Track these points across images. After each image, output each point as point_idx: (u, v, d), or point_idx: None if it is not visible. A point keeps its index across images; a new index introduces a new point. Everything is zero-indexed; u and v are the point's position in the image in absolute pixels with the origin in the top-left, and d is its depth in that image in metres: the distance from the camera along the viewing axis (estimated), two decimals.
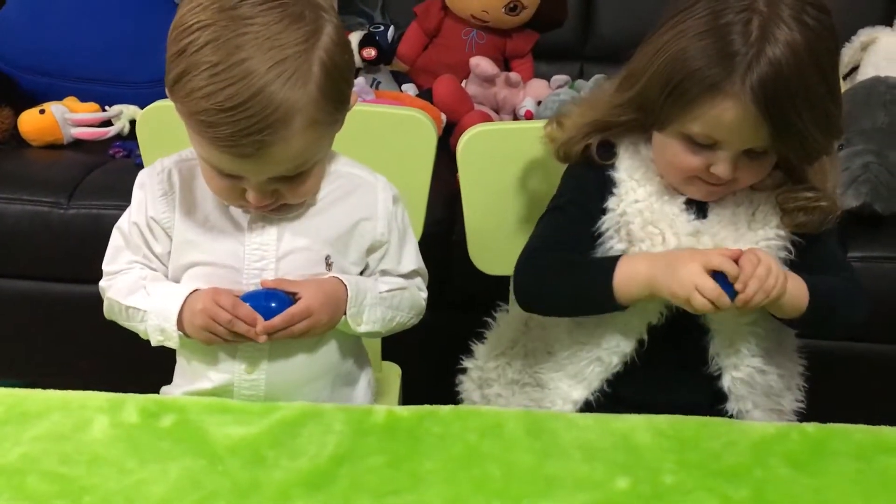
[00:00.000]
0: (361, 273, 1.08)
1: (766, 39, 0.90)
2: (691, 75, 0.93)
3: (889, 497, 0.89)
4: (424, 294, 1.13)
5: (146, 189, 1.03)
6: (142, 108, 1.83)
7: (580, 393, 1.10)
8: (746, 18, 0.91)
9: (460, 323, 1.57)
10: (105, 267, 1.07)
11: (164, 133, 1.24)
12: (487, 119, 1.82)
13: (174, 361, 1.13)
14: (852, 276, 1.06)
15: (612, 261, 1.01)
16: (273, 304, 0.98)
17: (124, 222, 1.05)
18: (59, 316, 1.66)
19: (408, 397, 1.38)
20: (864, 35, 1.86)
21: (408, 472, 0.91)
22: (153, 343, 1.05)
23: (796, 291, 0.98)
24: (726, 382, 1.07)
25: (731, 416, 1.07)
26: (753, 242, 1.02)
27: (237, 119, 0.85)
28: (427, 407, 1.02)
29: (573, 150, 1.06)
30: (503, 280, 1.29)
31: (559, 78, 1.95)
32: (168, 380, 1.14)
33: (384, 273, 1.09)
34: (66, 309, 1.65)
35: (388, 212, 1.06)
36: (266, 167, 0.91)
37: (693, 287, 0.93)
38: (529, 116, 1.86)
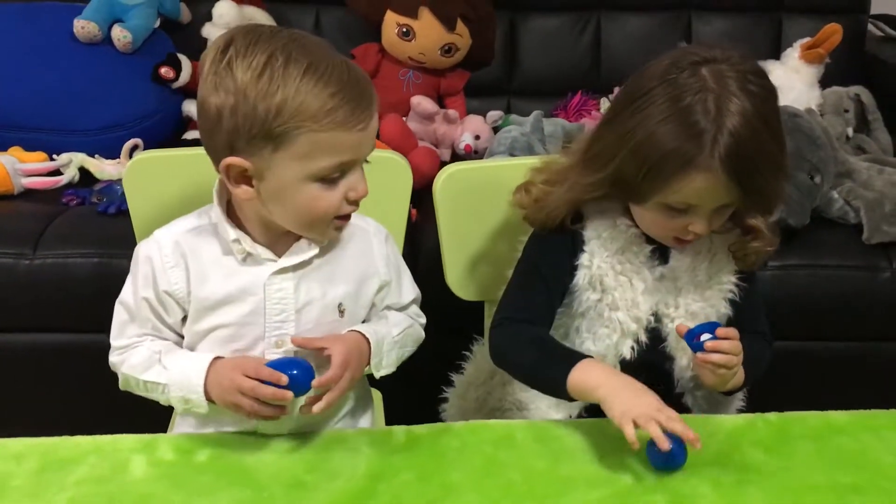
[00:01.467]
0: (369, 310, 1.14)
1: (723, 113, 0.99)
2: (666, 156, 1.01)
3: (846, 469, 1.04)
4: (423, 320, 1.20)
5: (154, 263, 1.03)
6: (90, 156, 1.87)
7: (561, 415, 1.20)
8: (703, 98, 1.00)
9: (433, 349, 1.67)
10: (113, 342, 1.07)
11: (150, 183, 1.29)
12: (433, 155, 1.92)
13: (153, 406, 1.12)
14: (768, 332, 1.20)
15: (570, 362, 1.05)
16: (295, 371, 0.98)
17: (129, 296, 1.05)
18: (28, 366, 1.65)
19: (394, 421, 1.46)
20: None
21: (439, 484, 1.00)
22: (178, 411, 1.08)
23: (738, 379, 1.12)
24: (689, 401, 1.21)
25: None
26: (709, 287, 1.15)
27: (351, 93, 0.93)
28: (441, 424, 1.11)
29: (554, 222, 1.14)
30: (472, 306, 1.39)
31: (494, 113, 2.08)
32: (144, 423, 1.11)
33: (388, 308, 1.16)
34: (33, 358, 1.64)
35: (384, 254, 1.12)
36: (370, 141, 0.99)
37: (629, 418, 0.97)
38: (469, 150, 1.97)
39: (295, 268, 1.04)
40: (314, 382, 0.99)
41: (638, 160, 1.04)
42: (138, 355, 1.05)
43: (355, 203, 1.01)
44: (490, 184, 1.33)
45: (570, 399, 1.07)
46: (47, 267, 1.62)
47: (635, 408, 0.97)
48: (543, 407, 1.23)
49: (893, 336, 1.71)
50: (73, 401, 1.60)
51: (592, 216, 1.16)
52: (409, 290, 1.18)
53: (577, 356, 1.08)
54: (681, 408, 1.21)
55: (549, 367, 1.10)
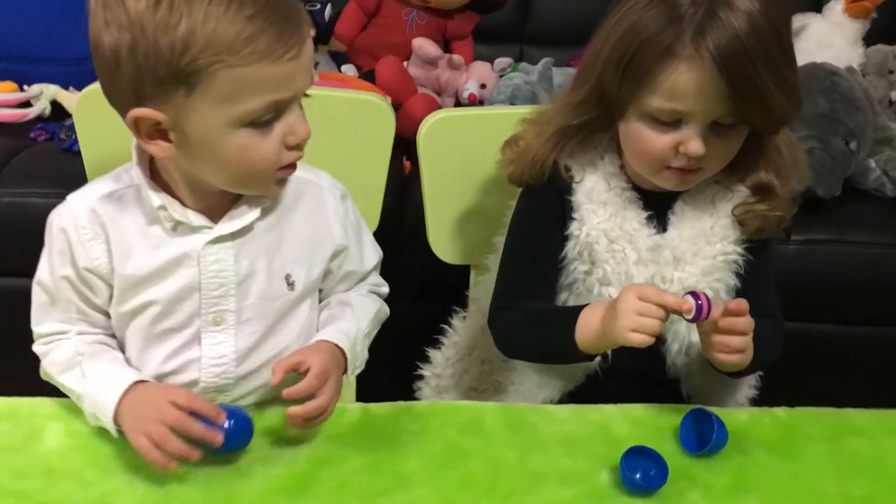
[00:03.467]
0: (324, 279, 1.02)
1: (718, 3, 0.89)
2: (644, 44, 0.91)
3: (861, 478, 0.91)
4: (385, 289, 1.08)
5: (69, 236, 0.89)
6: (64, 88, 1.75)
7: (538, 402, 1.09)
8: None
9: (415, 314, 1.55)
10: (35, 328, 0.95)
11: (104, 118, 1.16)
12: (432, 102, 1.78)
13: None
14: (778, 313, 1.07)
15: (574, 316, 0.99)
16: (232, 421, 0.85)
17: (46, 275, 0.92)
18: None
19: (365, 396, 1.35)
20: (794, 22, 1.90)
21: (390, 473, 0.89)
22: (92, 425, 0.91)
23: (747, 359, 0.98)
24: (684, 390, 1.09)
25: None
26: (711, 257, 1.03)
27: (274, 14, 0.78)
28: (402, 403, 0.99)
29: (538, 171, 1.03)
30: (459, 269, 1.28)
31: (502, 60, 1.93)
32: None
33: (349, 275, 1.04)
34: None
35: (340, 214, 0.99)
36: (306, 73, 0.83)
37: (627, 328, 0.91)
38: (473, 99, 1.83)
39: (234, 235, 0.91)
40: (286, 392, 0.87)
41: (617, 56, 0.93)
42: (61, 353, 0.93)
43: (297, 148, 0.86)
44: (480, 135, 1.20)
45: (592, 358, 1.01)
46: (4, 206, 1.51)
47: (626, 314, 0.91)
48: (523, 389, 1.11)
49: None
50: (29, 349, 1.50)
51: (581, 169, 1.04)
52: (370, 254, 1.06)
53: (574, 314, 0.99)
54: (676, 397, 1.10)
55: (556, 338, 1.00)
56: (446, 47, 1.98)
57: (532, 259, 1.05)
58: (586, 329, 0.97)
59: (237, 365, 0.94)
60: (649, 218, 1.03)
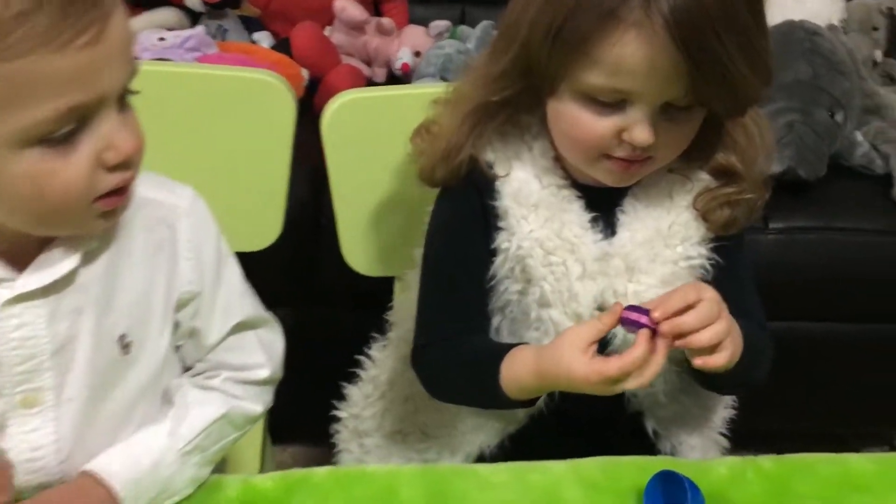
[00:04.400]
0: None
1: None
2: (580, 5, 0.73)
3: None
4: (263, 373, 0.80)
5: None
6: None
7: (474, 447, 0.91)
8: None
9: (332, 322, 1.34)
10: None
11: None
12: (357, 74, 1.56)
13: None
14: (763, 320, 0.90)
15: (497, 363, 0.81)
16: None
17: None
18: None
19: (279, 434, 1.15)
20: None
21: None
22: None
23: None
24: (649, 425, 0.92)
25: (665, 454, 0.92)
26: (672, 262, 0.84)
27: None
28: (297, 472, 0.78)
29: (452, 165, 0.83)
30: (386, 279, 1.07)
31: (439, 24, 1.70)
32: None
33: (194, 334, 0.77)
34: None
35: (194, 246, 0.74)
36: (117, 64, 0.60)
37: (591, 382, 0.75)
38: (407, 70, 1.61)
39: (46, 290, 0.67)
40: None
41: (548, 16, 0.74)
42: None
43: (123, 168, 0.62)
44: (398, 119, 0.98)
45: (531, 403, 0.83)
46: None
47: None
48: (455, 434, 0.92)
49: None
50: None
51: (506, 163, 0.84)
52: (230, 307, 0.77)
53: (503, 352, 0.81)
54: (639, 435, 0.92)
55: (487, 384, 0.82)
56: (377, 9, 1.74)
57: (453, 281, 0.85)
58: (515, 382, 0.80)
59: (60, 457, 0.71)
60: (594, 220, 0.84)
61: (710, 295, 0.74)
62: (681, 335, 0.73)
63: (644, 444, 0.93)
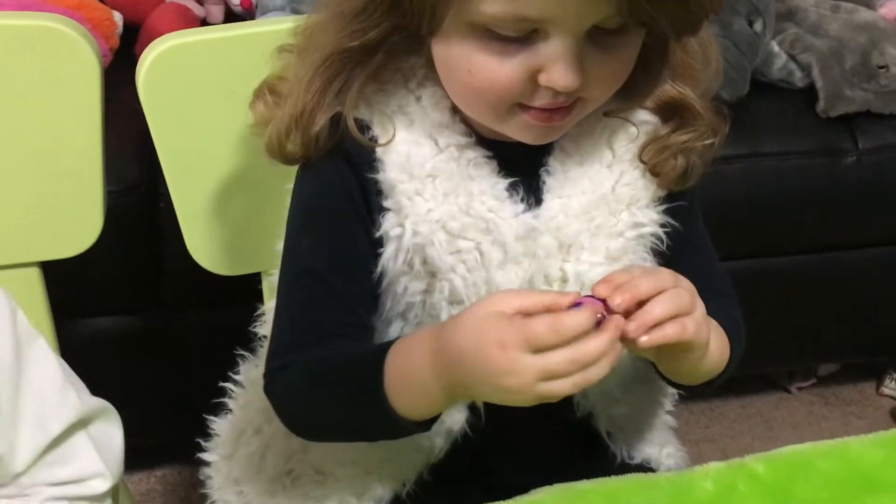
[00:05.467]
0: None
1: None
2: None
3: None
4: (117, 439, 0.64)
5: None
6: None
7: (386, 489, 0.71)
8: None
9: (186, 327, 1.10)
10: None
11: None
12: (186, 14, 1.29)
13: None
14: (726, 282, 0.75)
15: (378, 363, 0.59)
16: None
17: None
18: None
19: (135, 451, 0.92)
20: None
21: None
22: None
23: (719, 348, 0.65)
24: (602, 426, 0.75)
25: (618, 462, 0.76)
26: (618, 234, 0.67)
27: None
28: None
29: (309, 134, 0.62)
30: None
31: None
32: None
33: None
34: None
35: None
36: None
37: (533, 390, 0.54)
38: (249, 7, 1.35)
39: None
40: None
41: None
42: None
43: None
44: (234, 70, 0.76)
45: (425, 427, 0.61)
46: None
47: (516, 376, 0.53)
48: (361, 472, 0.72)
49: (860, 242, 1.27)
50: None
51: (387, 123, 0.63)
52: (43, 425, 0.59)
53: (386, 346, 0.61)
54: (593, 438, 0.76)
55: (358, 393, 0.62)
56: None
57: (323, 284, 0.64)
58: (406, 388, 0.58)
59: None
60: (512, 187, 0.65)
61: (686, 284, 0.58)
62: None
63: (595, 452, 0.76)
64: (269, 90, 0.64)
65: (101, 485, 0.60)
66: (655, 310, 0.56)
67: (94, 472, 0.60)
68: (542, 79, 0.56)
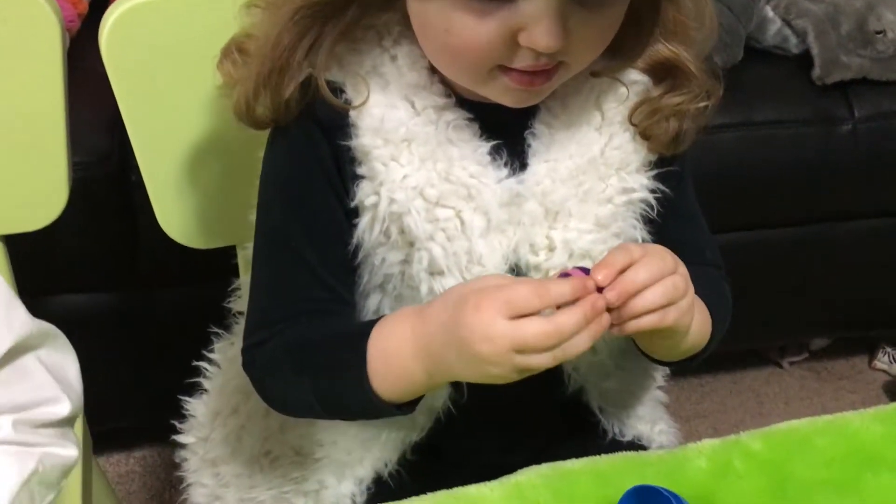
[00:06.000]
0: None
1: None
2: None
3: None
4: (72, 368, 0.60)
5: None
6: None
7: (367, 469, 0.69)
8: None
9: (161, 305, 1.06)
10: None
11: None
12: None
13: None
14: (715, 253, 0.73)
15: (360, 351, 0.57)
16: None
17: None
18: None
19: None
20: None
21: None
22: None
23: (700, 328, 0.63)
24: (593, 401, 0.72)
25: (608, 439, 0.74)
26: (606, 200, 0.64)
27: None
28: None
29: (279, 96, 0.58)
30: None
31: None
32: None
33: None
34: None
35: None
36: None
37: (509, 360, 0.52)
38: None
39: None
40: None
41: None
42: None
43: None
44: (202, 29, 0.70)
45: (408, 409, 0.59)
46: None
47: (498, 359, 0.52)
48: (341, 451, 0.69)
49: (854, 213, 1.23)
50: None
51: (360, 84, 0.60)
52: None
53: (368, 326, 0.59)
54: (582, 415, 0.74)
55: (341, 385, 0.60)
56: None
57: (298, 256, 0.61)
58: (388, 370, 0.56)
59: None
60: (495, 151, 0.61)
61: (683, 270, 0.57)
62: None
63: (585, 430, 0.73)
64: (237, 48, 0.60)
65: (62, 410, 0.58)
66: (644, 300, 0.54)
67: (51, 396, 0.58)
68: (523, 39, 0.53)
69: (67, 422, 0.59)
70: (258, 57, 0.57)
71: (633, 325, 0.55)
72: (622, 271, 0.54)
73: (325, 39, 0.57)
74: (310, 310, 0.61)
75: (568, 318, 0.51)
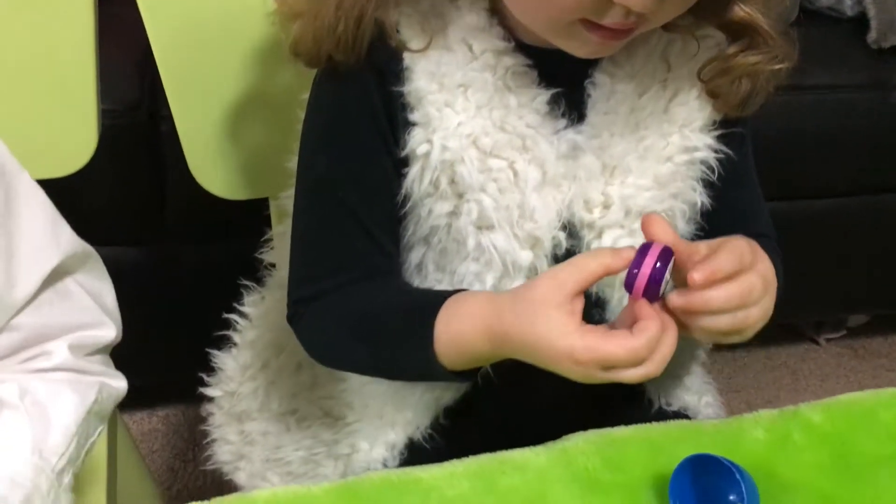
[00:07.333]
0: None
1: None
2: None
3: None
4: (109, 294, 0.59)
5: None
6: None
7: (399, 434, 0.66)
8: None
9: (191, 262, 1.04)
10: None
11: None
12: None
13: None
14: (770, 224, 0.70)
15: (428, 322, 0.56)
16: None
17: None
18: None
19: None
20: None
21: None
22: None
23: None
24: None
25: (655, 409, 0.71)
26: (667, 158, 0.61)
27: None
28: None
29: (348, 35, 0.55)
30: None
31: None
32: None
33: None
34: None
35: None
36: None
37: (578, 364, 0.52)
38: None
39: None
40: None
41: None
42: None
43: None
44: None
45: (467, 378, 0.59)
46: None
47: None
48: (371, 415, 0.67)
49: None
50: None
51: (420, 29, 0.57)
52: (40, 253, 0.55)
53: (429, 319, 0.56)
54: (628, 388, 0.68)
55: (402, 357, 0.60)
56: None
57: (344, 208, 0.59)
58: (455, 347, 0.55)
59: None
60: (553, 101, 0.58)
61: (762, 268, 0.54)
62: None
63: (630, 398, 0.70)
64: None
65: (110, 334, 0.57)
66: (718, 300, 0.52)
67: (97, 319, 0.57)
68: None
69: (109, 348, 0.58)
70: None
71: (711, 325, 0.53)
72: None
73: None
74: (358, 266, 0.58)
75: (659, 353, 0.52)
